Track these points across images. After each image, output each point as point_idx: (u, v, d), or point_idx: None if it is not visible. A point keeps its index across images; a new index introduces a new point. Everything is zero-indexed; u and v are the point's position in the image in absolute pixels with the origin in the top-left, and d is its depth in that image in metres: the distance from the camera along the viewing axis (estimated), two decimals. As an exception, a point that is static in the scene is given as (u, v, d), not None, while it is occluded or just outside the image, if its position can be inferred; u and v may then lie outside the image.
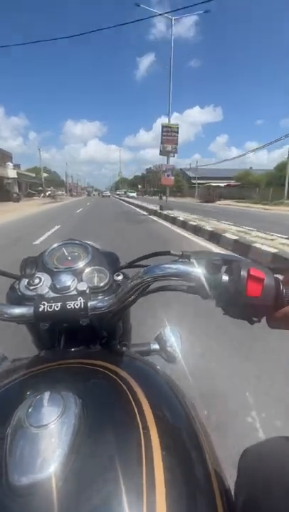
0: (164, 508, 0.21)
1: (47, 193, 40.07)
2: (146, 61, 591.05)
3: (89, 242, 0.54)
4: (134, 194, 56.51)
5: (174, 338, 0.56)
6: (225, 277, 0.34)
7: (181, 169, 71.58)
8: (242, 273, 0.32)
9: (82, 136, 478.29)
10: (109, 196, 59.85)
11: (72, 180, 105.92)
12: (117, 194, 70.89)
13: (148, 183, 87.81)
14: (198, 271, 0.34)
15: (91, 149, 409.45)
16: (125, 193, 74.26)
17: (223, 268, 0.36)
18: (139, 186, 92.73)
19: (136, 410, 0.28)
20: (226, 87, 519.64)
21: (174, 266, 0.35)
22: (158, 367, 0.41)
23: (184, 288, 0.41)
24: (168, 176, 12.60)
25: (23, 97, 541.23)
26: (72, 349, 0.43)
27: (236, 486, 0.30)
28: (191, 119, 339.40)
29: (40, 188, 45.51)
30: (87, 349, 0.44)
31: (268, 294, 0.32)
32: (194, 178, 61.35)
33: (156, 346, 0.56)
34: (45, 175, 67.73)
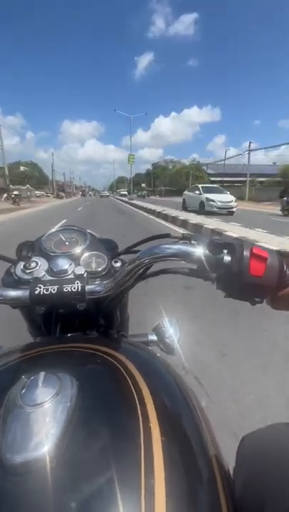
0: (162, 491, 0.20)
1: (13, 194, 23.74)
2: (144, 60, 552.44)
3: (87, 230, 0.53)
4: (233, 201, 11.41)
5: (172, 329, 0.55)
6: (227, 257, 0.33)
7: (199, 162, 57.26)
8: (245, 252, 0.31)
9: (79, 136, 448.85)
10: (108, 196, 48.68)
11: (65, 177, 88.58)
12: (121, 195, 50.28)
13: (157, 179, 70.85)
14: (199, 251, 0.33)
15: (89, 149, 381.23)
16: (136, 192, 50.59)
17: (225, 250, 0.34)
18: (143, 185, 75.58)
19: (134, 394, 0.28)
20: (224, 88, 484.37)
21: (174, 246, 0.34)
22: (158, 354, 0.41)
23: (185, 271, 0.39)
24: None
25: (20, 97, 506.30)
26: (69, 335, 0.43)
27: (234, 472, 0.30)
28: (189, 119, 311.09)
29: (4, 187, 28.88)
30: (84, 335, 0.44)
31: (271, 274, 0.31)
32: (213, 175, 49.08)
33: (154, 337, 0.55)
34: (23, 169, 50.19)
